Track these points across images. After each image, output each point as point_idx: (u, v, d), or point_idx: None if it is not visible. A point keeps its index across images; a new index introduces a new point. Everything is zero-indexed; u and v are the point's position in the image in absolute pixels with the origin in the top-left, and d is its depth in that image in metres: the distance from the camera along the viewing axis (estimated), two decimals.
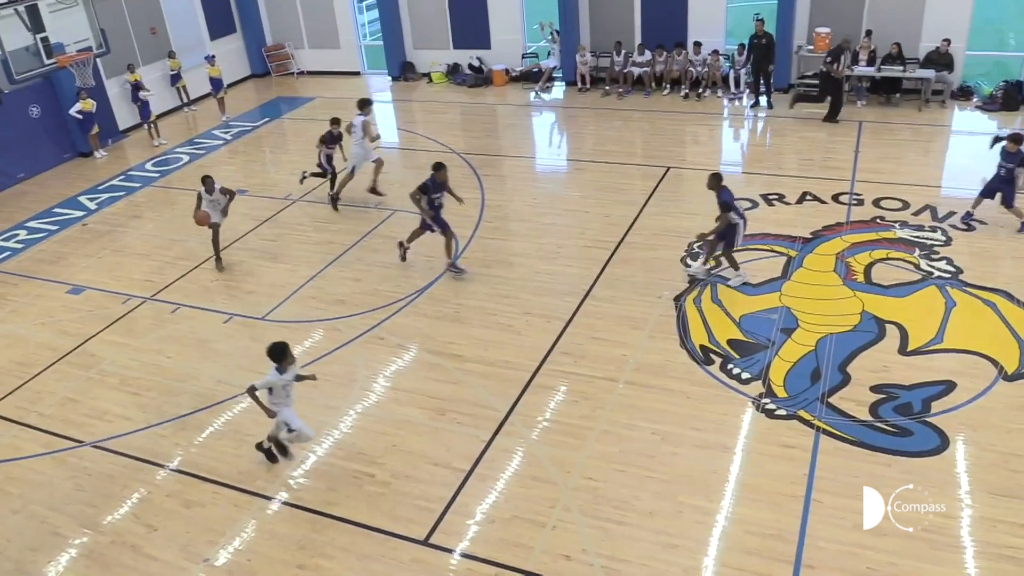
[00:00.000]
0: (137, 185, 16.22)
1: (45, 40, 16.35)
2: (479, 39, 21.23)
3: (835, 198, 12.96)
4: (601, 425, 8.44)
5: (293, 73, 23.32)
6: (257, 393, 7.57)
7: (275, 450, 8.16)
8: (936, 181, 13.81)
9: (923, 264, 10.84)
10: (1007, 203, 11.49)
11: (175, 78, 20.15)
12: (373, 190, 14.21)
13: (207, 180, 12.15)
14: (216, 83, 19.80)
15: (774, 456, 7.87)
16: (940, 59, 16.81)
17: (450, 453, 8.21)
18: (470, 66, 21.25)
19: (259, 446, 8.23)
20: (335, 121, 14.17)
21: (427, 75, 21.82)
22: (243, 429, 8.86)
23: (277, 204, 14.54)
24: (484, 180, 14.73)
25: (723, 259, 10.94)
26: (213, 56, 20.18)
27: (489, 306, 10.77)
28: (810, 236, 11.77)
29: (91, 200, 15.67)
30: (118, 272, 12.67)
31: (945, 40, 16.76)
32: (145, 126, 18.62)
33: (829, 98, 16.37)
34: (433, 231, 11.51)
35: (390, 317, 10.69)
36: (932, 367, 8.92)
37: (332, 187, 14.35)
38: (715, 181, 10.57)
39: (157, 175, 16.67)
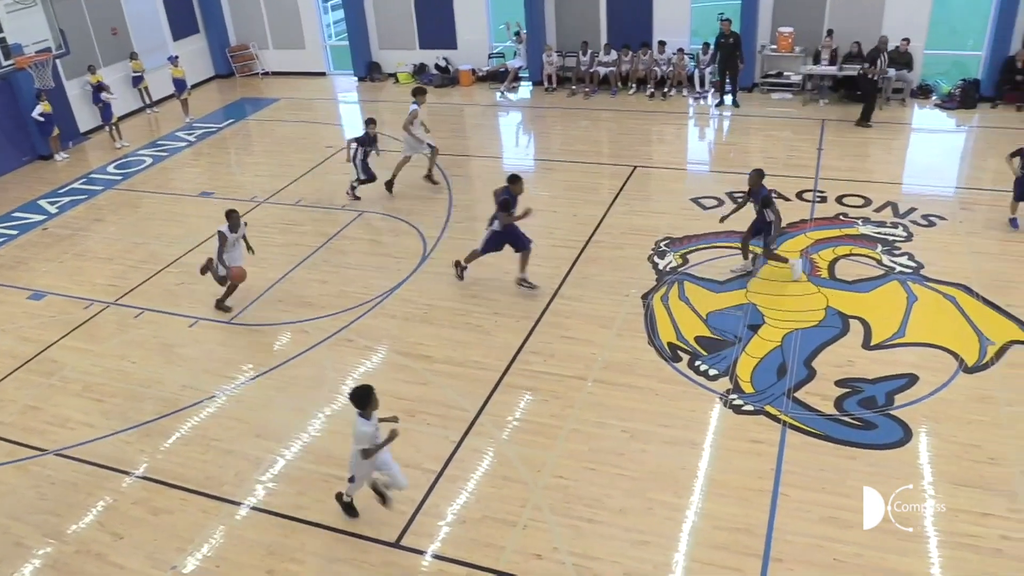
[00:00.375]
0: (99, 188, 15.97)
1: (3, 41, 16.03)
2: (445, 39, 21.22)
3: (799, 195, 13.12)
4: (571, 424, 8.46)
5: (258, 74, 23.12)
6: (368, 450, 6.79)
7: (375, 493, 7.41)
8: (897, 178, 14.04)
9: (885, 260, 11.02)
10: None
11: (137, 79, 19.86)
12: (390, 181, 14.41)
13: (232, 215, 10.60)
14: (179, 84, 19.56)
15: (742, 451, 7.96)
16: (900, 58, 17.08)
17: (420, 454, 8.18)
18: (436, 66, 21.20)
19: (380, 499, 7.39)
20: (371, 121, 13.84)
21: (393, 75, 21.74)
22: (209, 434, 8.77)
23: (242, 206, 14.35)
24: (452, 180, 14.70)
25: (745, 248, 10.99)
26: (176, 57, 19.92)
27: (458, 306, 10.76)
28: None
29: (51, 204, 15.39)
30: (80, 276, 12.47)
31: (904, 39, 17.05)
32: (107, 128, 18.33)
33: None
34: (487, 250, 10.90)
35: (358, 319, 10.64)
36: (895, 361, 9.07)
37: (389, 187, 14.16)
38: (758, 178, 10.45)
39: (119, 178, 16.43)
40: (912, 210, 12.33)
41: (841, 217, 12.30)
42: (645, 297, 10.59)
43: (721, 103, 17.97)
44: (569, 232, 12.48)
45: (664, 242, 11.88)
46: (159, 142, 18.31)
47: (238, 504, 7.80)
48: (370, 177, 13.97)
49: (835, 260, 11.09)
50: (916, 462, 7.68)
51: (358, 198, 14.11)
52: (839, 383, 8.75)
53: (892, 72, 16.91)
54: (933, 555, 6.72)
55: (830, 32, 17.53)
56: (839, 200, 12.83)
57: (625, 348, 9.63)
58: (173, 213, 14.54)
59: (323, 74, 22.80)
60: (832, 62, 17.36)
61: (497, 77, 20.58)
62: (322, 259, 12.32)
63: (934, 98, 17.26)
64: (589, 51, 19.33)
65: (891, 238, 11.55)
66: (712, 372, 9.09)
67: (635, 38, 19.19)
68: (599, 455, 8.01)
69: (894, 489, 7.29)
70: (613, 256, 11.67)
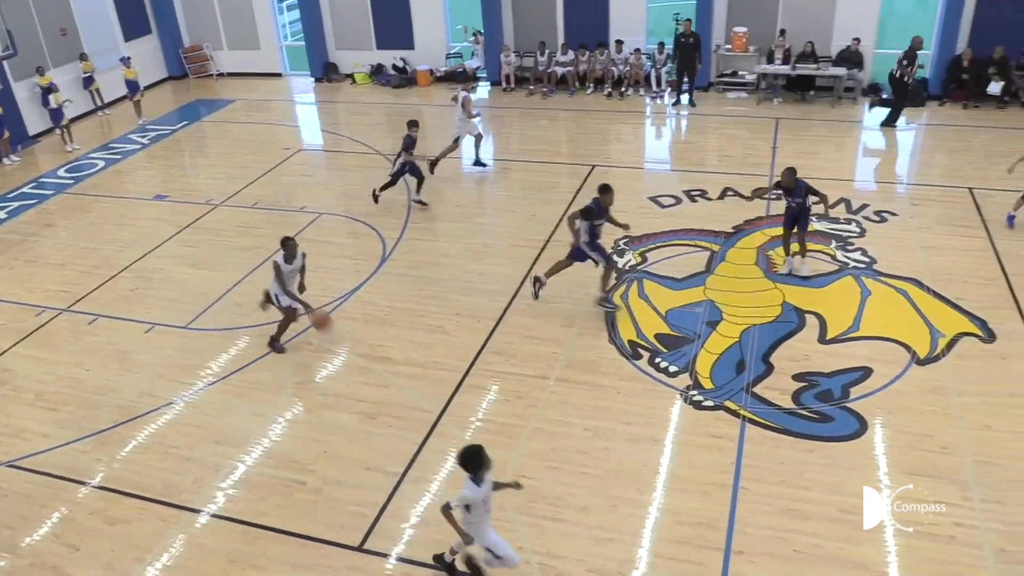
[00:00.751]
0: (49, 192, 15.61)
1: None
2: (402, 39, 21.13)
3: (755, 193, 13.28)
4: (533, 423, 8.49)
5: (212, 75, 22.80)
6: (453, 512, 6.08)
7: (467, 568, 6.66)
8: (849, 175, 14.31)
9: (839, 255, 11.22)
10: None
11: (88, 80, 19.48)
12: (477, 162, 15.15)
13: (289, 244, 9.41)
14: (132, 85, 19.20)
15: (702, 446, 8.05)
16: (851, 57, 17.43)
17: (382, 457, 8.14)
18: (394, 67, 21.12)
19: (439, 559, 6.78)
20: (413, 124, 13.33)
21: (350, 76, 21.60)
22: (167, 441, 8.63)
23: (198, 209, 14.19)
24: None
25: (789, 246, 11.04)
26: (129, 58, 19.57)
27: (418, 307, 10.72)
28: (732, 230, 12.06)
29: (0, 209, 15.02)
30: (31, 283, 12.18)
31: (855, 39, 17.39)
32: (57, 131, 17.93)
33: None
34: (584, 261, 10.29)
35: None
36: (850, 354, 9.24)
37: (381, 189, 13.61)
38: (792, 175, 10.44)
39: (71, 182, 16.08)
40: (864, 206, 12.57)
41: None
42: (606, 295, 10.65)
43: (678, 102, 18.15)
44: (529, 232, 12.51)
45: (623, 240, 11.95)
46: (111, 145, 17.97)
47: (198, 512, 7.69)
48: (394, 181, 13.54)
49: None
50: (872, 453, 7.84)
51: (425, 204, 13.61)
52: (796, 377, 8.90)
53: (843, 71, 17.26)
54: (889, 544, 6.87)
55: (783, 32, 17.81)
56: None
57: (586, 346, 9.68)
58: (126, 217, 14.29)
59: (279, 75, 22.56)
60: (785, 61, 17.65)
61: (455, 77, 20.55)
62: None
63: (884, 96, 17.60)
64: (546, 51, 19.40)
65: (844, 234, 11.77)
66: (672, 369, 9.18)
67: (592, 38, 19.29)
68: (562, 454, 8.04)
69: (851, 480, 7.46)
70: None
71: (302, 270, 9.76)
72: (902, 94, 16.07)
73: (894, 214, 12.34)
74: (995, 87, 16.31)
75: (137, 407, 9.21)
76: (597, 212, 9.98)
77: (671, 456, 7.95)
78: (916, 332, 9.55)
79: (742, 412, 8.44)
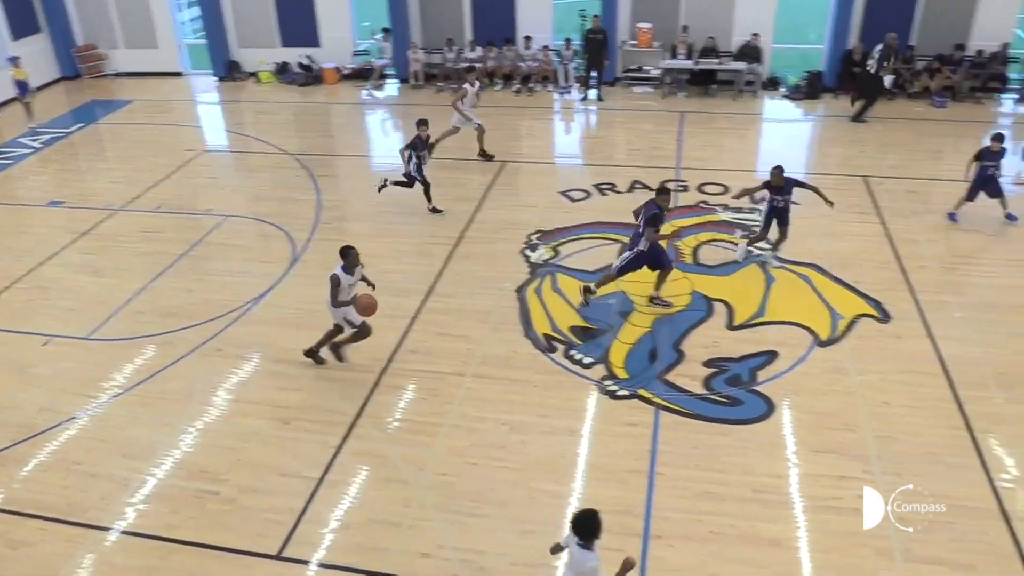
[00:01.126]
0: None
1: None
2: (308, 37, 20.73)
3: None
4: (451, 420, 8.48)
5: (108, 75, 21.91)
6: None
7: None
8: (751, 165, 14.75)
9: (744, 244, 11.55)
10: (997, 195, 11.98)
11: None
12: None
13: (350, 253, 8.71)
14: (22, 86, 18.24)
15: (618, 435, 8.19)
16: (751, 52, 17.98)
17: (299, 462, 8.00)
18: (300, 64, 20.72)
19: None
20: (422, 123, 12.78)
21: (254, 74, 21.08)
22: (71, 457, 8.27)
23: (97, 215, 13.62)
24: (319, 181, 14.41)
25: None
26: (17, 58, 18.59)
27: None
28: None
29: None
30: None
31: (754, 34, 17.94)
32: None
33: (863, 97, 16.37)
34: (626, 272, 9.97)
35: (227, 327, 10.27)
36: (757, 339, 9.55)
37: (429, 199, 12.98)
38: (781, 174, 10.60)
39: None
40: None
41: (702, 205, 12.82)
42: (519, 290, 10.71)
43: (586, 97, 18.38)
44: (441, 229, 12.47)
45: (535, 235, 12.04)
46: (1, 149, 17.09)
47: (106, 529, 7.40)
48: (411, 181, 12.88)
49: (698, 246, 11.56)
50: (780, 433, 8.13)
51: (439, 210, 13.06)
52: (707, 363, 9.14)
53: (743, 65, 17.79)
54: (799, 519, 7.13)
55: (685, 28, 18.24)
56: (700, 188, 13.37)
57: (501, 342, 9.72)
58: (20, 225, 13.62)
59: (179, 74, 21.84)
60: (688, 56, 18.08)
61: (363, 75, 20.31)
62: (186, 267, 11.83)
63: (782, 90, 18.26)
64: (454, 47, 19.36)
65: (749, 223, 12.13)
66: (587, 360, 9.30)
67: (499, 34, 19.36)
68: (480, 449, 8.06)
69: (762, 461, 7.72)
70: (486, 251, 11.75)
71: (364, 277, 9.06)
72: (873, 90, 16.29)
73: (795, 203, 12.64)
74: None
75: (37, 423, 8.79)
76: (662, 216, 9.84)
77: (588, 446, 8.07)
78: (818, 315, 9.93)
79: (656, 400, 8.61)
